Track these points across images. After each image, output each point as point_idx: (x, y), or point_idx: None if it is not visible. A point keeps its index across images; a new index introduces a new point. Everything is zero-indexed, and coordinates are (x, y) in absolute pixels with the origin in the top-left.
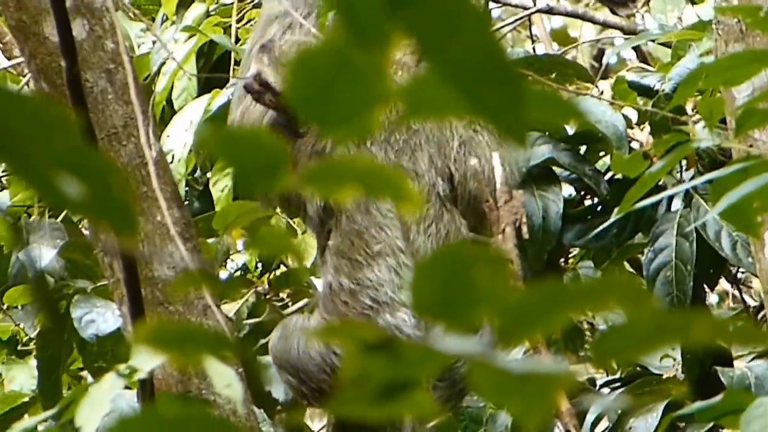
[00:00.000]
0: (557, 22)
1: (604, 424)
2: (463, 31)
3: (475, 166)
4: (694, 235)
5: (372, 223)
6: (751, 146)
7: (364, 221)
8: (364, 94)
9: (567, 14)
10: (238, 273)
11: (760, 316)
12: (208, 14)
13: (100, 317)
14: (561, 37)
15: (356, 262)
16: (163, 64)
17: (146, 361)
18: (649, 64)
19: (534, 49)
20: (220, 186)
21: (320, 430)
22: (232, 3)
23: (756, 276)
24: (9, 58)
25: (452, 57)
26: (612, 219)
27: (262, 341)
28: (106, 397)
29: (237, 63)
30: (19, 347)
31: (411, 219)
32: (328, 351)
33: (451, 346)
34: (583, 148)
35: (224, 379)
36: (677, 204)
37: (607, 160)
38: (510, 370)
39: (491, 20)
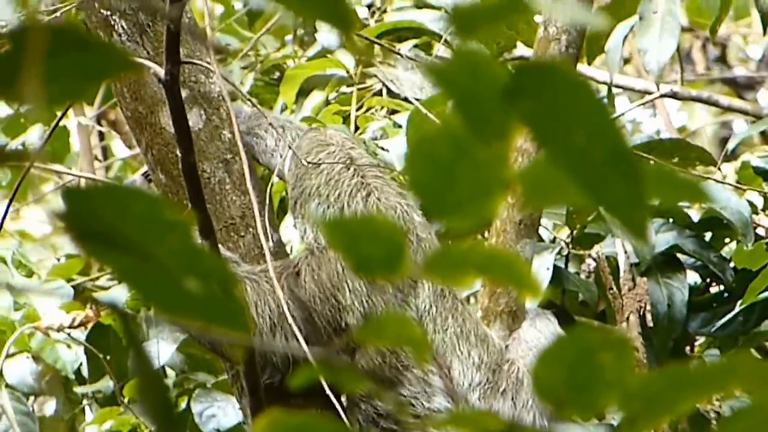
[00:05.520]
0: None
1: None
2: (583, 120)
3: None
4: None
5: None
6: None
7: None
8: (484, 181)
9: (691, 98)
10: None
11: None
12: (327, 102)
13: (220, 411)
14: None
15: (388, 382)
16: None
17: None
18: None
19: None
20: None
21: None
22: (352, 91)
23: None
24: (129, 148)
25: (571, 146)
26: (737, 309)
27: None
28: None
29: None
30: None
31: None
32: None
33: None
34: (708, 235)
35: None
36: None
37: (732, 246)
38: None
39: (613, 108)
